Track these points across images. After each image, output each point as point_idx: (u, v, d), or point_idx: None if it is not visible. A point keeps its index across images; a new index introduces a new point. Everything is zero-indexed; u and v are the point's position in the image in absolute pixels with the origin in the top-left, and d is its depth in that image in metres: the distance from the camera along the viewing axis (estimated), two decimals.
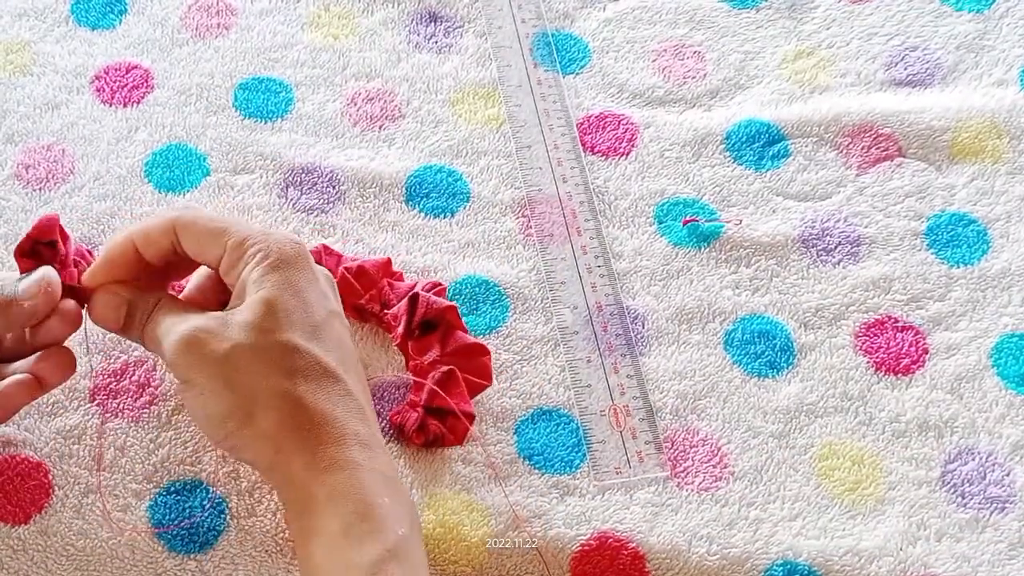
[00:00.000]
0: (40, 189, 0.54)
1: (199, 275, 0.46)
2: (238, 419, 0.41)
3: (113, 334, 0.46)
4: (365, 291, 0.50)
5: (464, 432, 0.48)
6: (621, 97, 0.60)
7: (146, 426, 0.48)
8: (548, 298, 0.53)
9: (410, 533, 0.40)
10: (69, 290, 0.44)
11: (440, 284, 0.51)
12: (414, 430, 0.47)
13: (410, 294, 0.49)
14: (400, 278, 0.51)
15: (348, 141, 0.57)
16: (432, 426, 0.47)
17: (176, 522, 0.45)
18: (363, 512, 0.39)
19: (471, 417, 0.48)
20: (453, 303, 0.50)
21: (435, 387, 0.47)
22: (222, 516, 0.46)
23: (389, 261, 0.51)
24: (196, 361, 0.41)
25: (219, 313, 0.42)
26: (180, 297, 0.45)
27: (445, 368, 0.48)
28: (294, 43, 0.61)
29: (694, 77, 0.61)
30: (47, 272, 0.43)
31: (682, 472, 0.48)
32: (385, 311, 0.50)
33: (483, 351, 0.49)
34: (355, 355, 0.44)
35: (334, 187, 0.55)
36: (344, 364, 0.43)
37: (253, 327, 0.41)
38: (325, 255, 0.51)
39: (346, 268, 0.50)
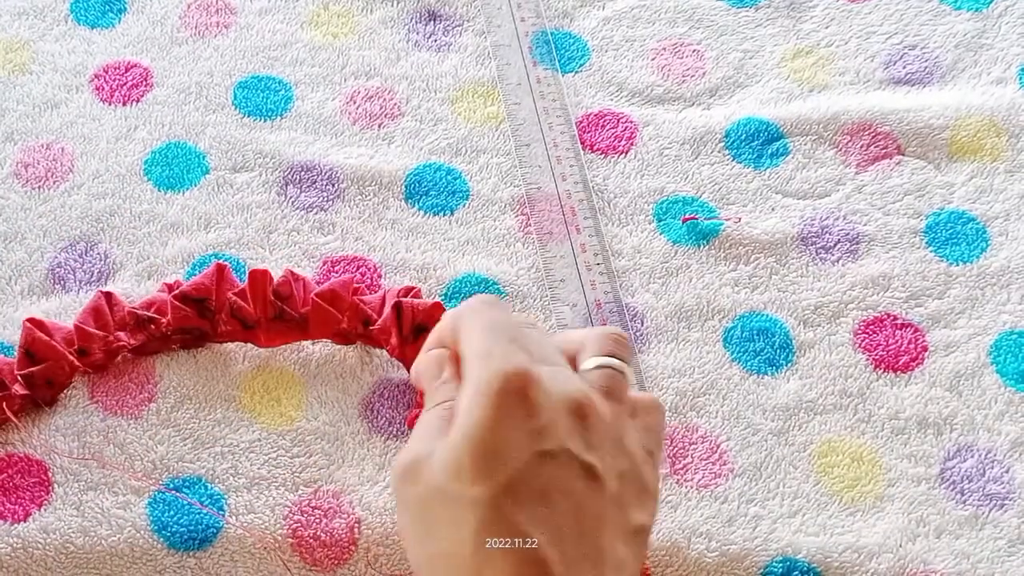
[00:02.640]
0: (39, 188, 0.54)
1: None
2: None
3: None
4: (341, 314, 0.50)
5: None
6: (620, 95, 0.60)
7: (145, 423, 0.48)
8: (547, 296, 0.53)
9: None
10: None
11: (413, 287, 0.51)
12: None
13: (393, 303, 0.49)
14: (363, 292, 0.51)
15: (347, 139, 0.57)
16: None
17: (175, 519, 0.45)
18: None
19: None
20: (438, 301, 0.50)
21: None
22: (221, 512, 0.46)
23: (351, 280, 0.50)
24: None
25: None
26: None
27: None
28: (293, 41, 0.61)
29: (693, 75, 0.61)
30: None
31: (681, 469, 0.48)
32: (370, 327, 0.50)
33: None
34: (570, 500, 0.35)
35: (333, 185, 0.55)
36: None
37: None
38: (293, 281, 0.50)
39: (317, 295, 0.49)
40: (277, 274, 0.50)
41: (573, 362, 0.39)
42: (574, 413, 0.35)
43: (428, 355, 0.40)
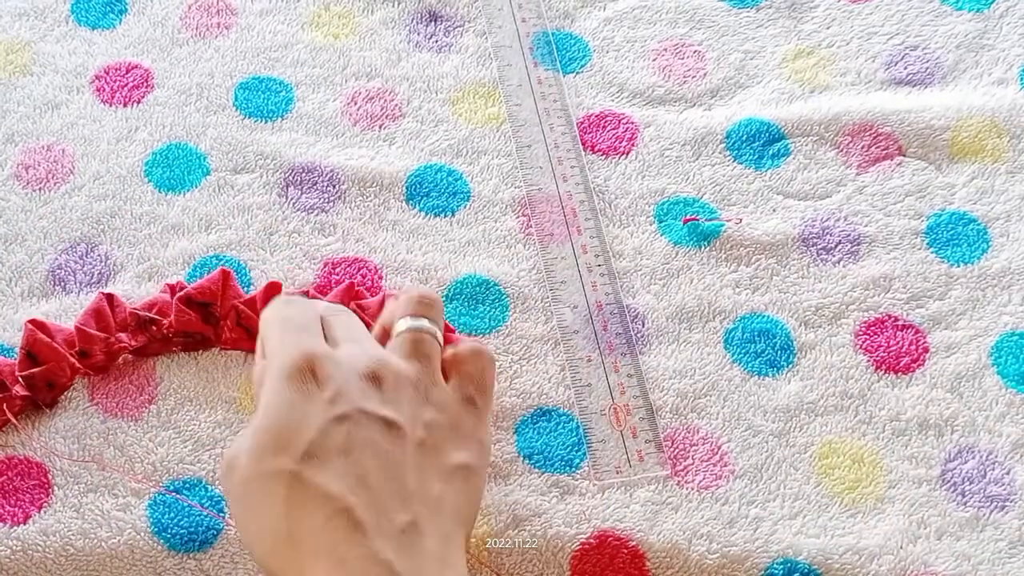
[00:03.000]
0: (40, 189, 0.54)
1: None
2: None
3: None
4: None
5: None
6: (621, 96, 0.60)
7: (145, 425, 0.48)
8: (548, 297, 0.53)
9: None
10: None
11: None
12: None
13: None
14: (363, 296, 0.51)
15: (348, 140, 0.57)
16: None
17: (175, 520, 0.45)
18: None
19: None
20: None
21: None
22: (222, 514, 0.46)
23: (352, 285, 0.51)
24: None
25: None
26: None
27: None
28: (294, 42, 0.61)
29: (694, 76, 0.61)
30: None
31: (682, 471, 0.48)
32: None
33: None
34: (372, 452, 0.38)
35: (334, 186, 0.55)
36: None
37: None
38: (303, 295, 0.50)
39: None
40: (281, 277, 0.50)
41: (388, 335, 0.43)
42: (367, 378, 0.39)
43: (254, 367, 0.43)
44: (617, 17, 0.63)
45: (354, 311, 0.49)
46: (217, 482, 0.46)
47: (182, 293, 0.49)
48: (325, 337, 0.41)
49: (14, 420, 0.47)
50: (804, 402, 0.50)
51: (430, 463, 0.38)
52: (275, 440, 0.37)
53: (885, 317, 0.53)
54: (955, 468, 0.49)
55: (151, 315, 0.49)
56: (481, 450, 0.41)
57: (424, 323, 0.42)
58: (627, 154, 0.58)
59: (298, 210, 0.55)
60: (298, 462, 0.36)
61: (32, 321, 0.48)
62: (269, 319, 0.42)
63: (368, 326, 0.49)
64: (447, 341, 0.49)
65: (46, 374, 0.47)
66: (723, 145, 0.58)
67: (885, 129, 0.58)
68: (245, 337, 0.49)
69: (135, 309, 0.49)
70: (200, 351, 0.50)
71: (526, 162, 0.57)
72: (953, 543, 0.47)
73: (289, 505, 0.36)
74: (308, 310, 0.42)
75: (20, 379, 0.47)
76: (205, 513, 0.45)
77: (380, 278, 0.53)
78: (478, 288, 0.53)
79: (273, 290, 0.49)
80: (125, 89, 0.58)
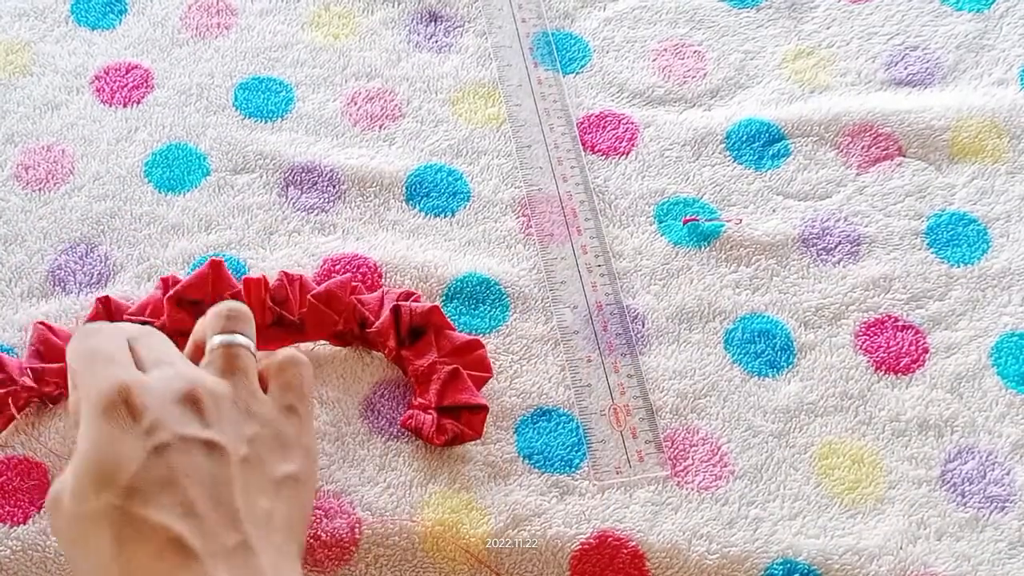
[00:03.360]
0: (40, 190, 0.54)
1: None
2: None
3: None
4: (338, 315, 0.50)
5: (482, 425, 0.48)
6: (621, 96, 0.60)
7: None
8: (548, 297, 0.53)
9: None
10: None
11: (413, 292, 0.51)
12: (433, 432, 0.47)
13: (391, 306, 0.49)
14: (361, 292, 0.51)
15: (348, 140, 0.57)
16: (449, 426, 0.47)
17: None
18: None
19: (485, 408, 0.48)
20: (435, 304, 0.50)
21: (443, 385, 0.48)
22: None
23: (349, 280, 0.51)
24: None
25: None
26: None
27: (449, 367, 0.48)
28: (294, 43, 0.61)
29: (694, 76, 0.61)
30: None
31: (682, 471, 0.48)
32: (366, 330, 0.50)
33: (478, 345, 0.49)
34: (198, 476, 0.37)
35: (334, 186, 0.55)
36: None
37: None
38: (288, 284, 0.50)
39: (314, 296, 0.49)
40: (272, 276, 0.50)
41: (202, 351, 0.42)
42: (183, 402, 0.38)
43: (68, 404, 0.41)
44: (617, 17, 0.63)
45: (355, 307, 0.49)
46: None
47: (172, 293, 0.48)
48: (136, 362, 0.40)
49: (16, 413, 0.46)
50: (804, 403, 0.50)
51: (255, 479, 0.38)
52: (96, 478, 0.36)
53: (885, 318, 0.53)
54: (955, 469, 0.49)
55: (144, 318, 0.49)
56: (307, 457, 0.40)
57: (237, 338, 0.41)
58: (627, 154, 0.58)
59: (298, 210, 0.55)
60: (122, 498, 0.35)
61: (42, 323, 0.48)
62: (75, 352, 0.40)
63: (375, 315, 0.49)
64: (445, 338, 0.49)
65: (58, 372, 0.47)
66: (723, 145, 0.58)
67: (885, 129, 0.58)
68: None
69: (130, 316, 0.49)
70: None
71: (526, 162, 0.57)
72: (953, 544, 0.47)
73: (119, 543, 0.35)
74: (114, 337, 0.41)
75: (30, 371, 0.47)
76: None
77: (380, 277, 0.52)
78: (479, 287, 0.53)
79: (256, 285, 0.49)
80: (125, 89, 0.58)
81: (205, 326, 0.42)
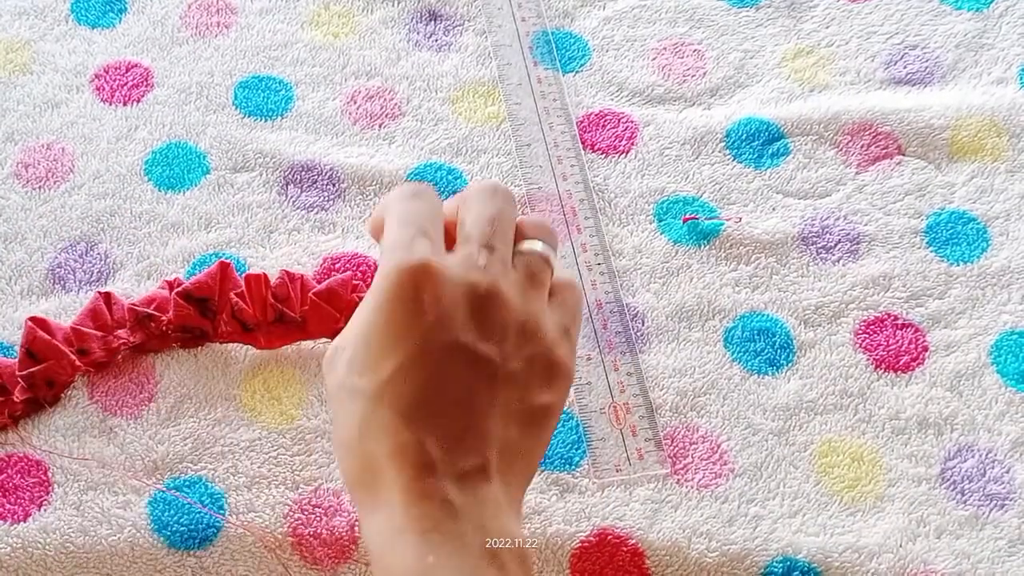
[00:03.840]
0: (40, 188, 0.54)
1: None
2: None
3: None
4: (340, 313, 0.49)
5: None
6: (621, 95, 0.60)
7: (145, 423, 0.48)
8: None
9: None
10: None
11: None
12: None
13: None
14: (361, 290, 0.51)
15: (348, 139, 0.57)
16: None
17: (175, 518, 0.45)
18: None
19: None
20: None
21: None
22: (221, 512, 0.46)
23: (350, 278, 0.50)
24: None
25: None
26: None
27: None
28: (294, 41, 0.61)
29: (694, 75, 0.61)
30: None
31: (682, 469, 0.48)
32: None
33: None
34: (460, 389, 0.37)
35: (334, 185, 0.55)
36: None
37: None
38: (289, 282, 0.50)
39: (315, 294, 0.49)
40: (273, 274, 0.50)
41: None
42: (472, 304, 0.37)
43: (380, 244, 0.40)
44: (617, 16, 0.63)
45: (352, 304, 0.49)
46: (217, 479, 0.46)
47: (180, 288, 0.49)
48: (446, 230, 0.39)
49: (12, 426, 0.47)
50: (804, 401, 0.50)
51: (515, 402, 0.37)
52: (365, 355, 0.36)
53: (885, 316, 0.53)
54: (955, 467, 0.49)
55: (149, 311, 0.49)
56: (567, 386, 0.39)
57: (551, 252, 0.40)
58: (627, 153, 0.58)
59: (298, 208, 0.55)
60: (381, 386, 0.35)
61: (32, 319, 0.48)
62: (391, 208, 0.39)
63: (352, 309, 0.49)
64: None
65: (46, 372, 0.47)
66: (723, 144, 0.58)
67: (884, 128, 0.58)
68: (239, 330, 0.49)
69: (133, 305, 0.49)
70: (199, 348, 0.50)
71: (526, 161, 0.57)
72: (953, 541, 0.47)
73: (363, 427, 0.35)
74: (433, 207, 0.39)
75: (20, 379, 0.47)
76: (205, 511, 0.45)
77: None
78: None
79: (257, 282, 0.49)
80: (125, 88, 0.58)
81: (521, 226, 0.40)
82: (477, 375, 0.36)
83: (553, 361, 0.38)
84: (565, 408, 0.49)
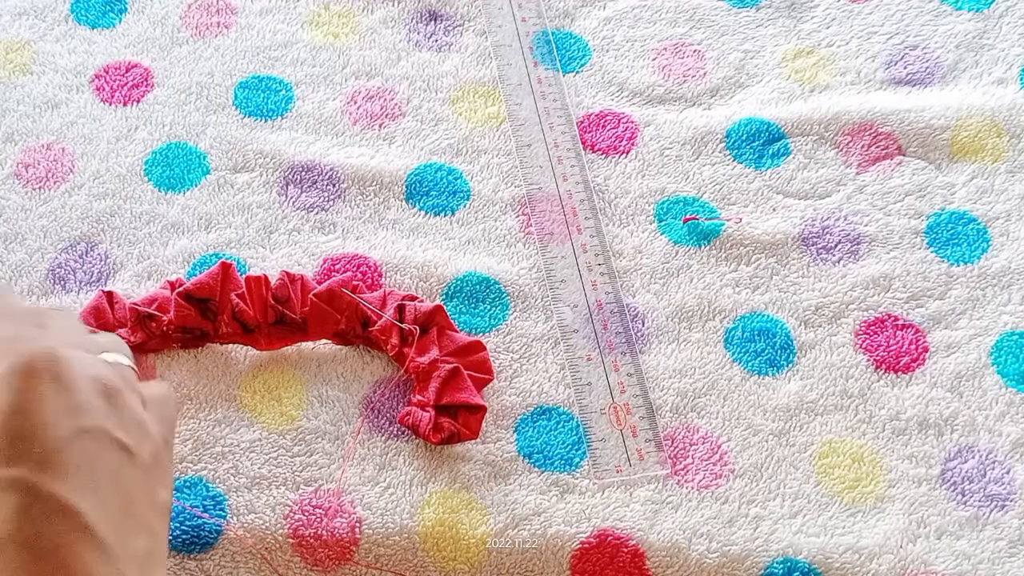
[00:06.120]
0: (40, 188, 0.54)
1: None
2: None
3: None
4: (340, 314, 0.50)
5: (479, 425, 0.48)
6: (621, 95, 0.60)
7: None
8: (548, 296, 0.53)
9: None
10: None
11: (415, 297, 0.51)
12: (429, 430, 0.47)
13: (396, 305, 0.49)
14: (362, 291, 0.51)
15: (348, 139, 0.57)
16: (446, 424, 0.47)
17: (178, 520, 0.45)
18: None
19: (483, 409, 0.48)
20: (439, 303, 0.50)
21: (442, 384, 0.48)
22: (222, 514, 0.46)
23: (350, 278, 0.51)
24: None
25: None
26: None
27: (450, 365, 0.48)
28: (294, 42, 0.61)
29: (694, 76, 0.61)
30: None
31: (682, 470, 0.48)
32: (369, 328, 0.50)
33: (479, 347, 0.49)
34: (110, 475, 0.35)
35: (334, 185, 0.55)
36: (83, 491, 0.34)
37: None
38: (289, 283, 0.50)
39: (316, 295, 0.49)
40: (273, 275, 0.50)
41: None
42: (104, 395, 0.36)
43: None
44: (617, 16, 0.63)
45: (353, 305, 0.49)
46: (217, 480, 0.46)
47: (182, 289, 0.49)
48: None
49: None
50: (804, 401, 0.50)
51: (150, 496, 0.37)
52: (10, 442, 0.34)
53: (885, 316, 0.53)
54: (955, 467, 0.49)
55: (150, 310, 0.49)
56: (172, 494, 0.40)
57: (128, 360, 0.40)
58: (627, 153, 0.58)
59: (298, 209, 0.55)
60: (36, 471, 0.33)
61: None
62: None
63: (371, 322, 0.49)
64: (448, 338, 0.49)
65: None
66: (723, 144, 0.58)
67: (885, 129, 0.58)
68: (240, 331, 0.49)
69: (135, 304, 0.49)
70: (200, 348, 0.50)
71: (526, 161, 0.57)
72: (953, 542, 0.47)
73: (22, 515, 0.33)
74: (30, 306, 0.39)
75: None
76: (204, 518, 0.45)
77: (380, 276, 0.52)
78: (478, 286, 0.53)
79: (257, 283, 0.49)
80: (125, 88, 0.58)
81: (97, 339, 0.41)
82: (122, 461, 0.36)
83: (164, 463, 0.38)
84: (565, 409, 0.49)
